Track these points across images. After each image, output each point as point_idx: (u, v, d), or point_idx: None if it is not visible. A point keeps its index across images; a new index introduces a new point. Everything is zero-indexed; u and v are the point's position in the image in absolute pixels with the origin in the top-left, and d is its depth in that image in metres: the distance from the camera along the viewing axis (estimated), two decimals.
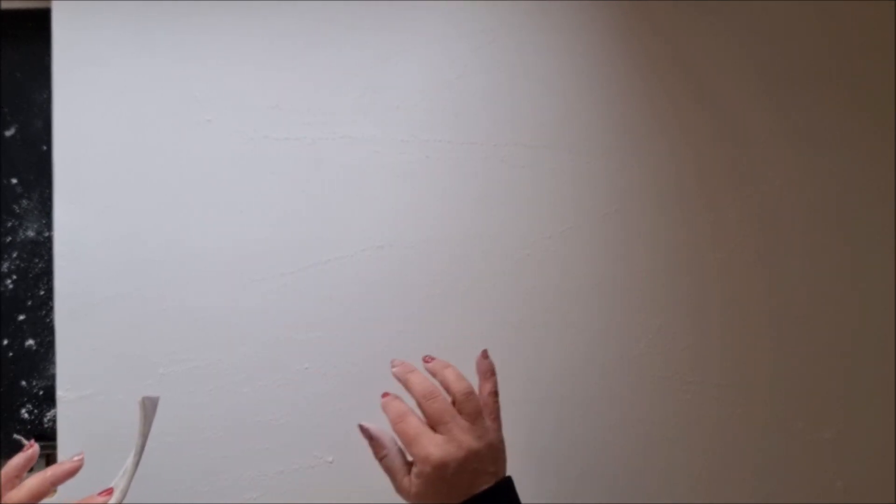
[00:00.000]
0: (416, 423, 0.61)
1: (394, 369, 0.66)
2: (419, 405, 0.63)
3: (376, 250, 0.77)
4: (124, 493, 0.58)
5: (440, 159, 0.78)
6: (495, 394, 0.65)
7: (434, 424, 0.61)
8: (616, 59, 0.79)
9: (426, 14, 0.79)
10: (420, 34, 0.79)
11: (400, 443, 0.63)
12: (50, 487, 0.59)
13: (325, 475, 0.76)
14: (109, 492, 0.59)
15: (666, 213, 0.79)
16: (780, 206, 0.79)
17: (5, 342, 0.81)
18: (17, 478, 0.60)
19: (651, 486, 0.77)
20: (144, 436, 0.60)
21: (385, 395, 0.65)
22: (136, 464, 0.59)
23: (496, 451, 0.62)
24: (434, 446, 0.59)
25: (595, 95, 0.79)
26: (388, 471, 0.63)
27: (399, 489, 0.62)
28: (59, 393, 0.75)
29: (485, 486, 0.59)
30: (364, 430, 0.64)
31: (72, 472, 0.61)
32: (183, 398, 0.74)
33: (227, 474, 0.75)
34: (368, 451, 0.76)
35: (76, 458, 0.62)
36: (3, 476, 0.59)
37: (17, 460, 0.61)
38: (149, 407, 0.61)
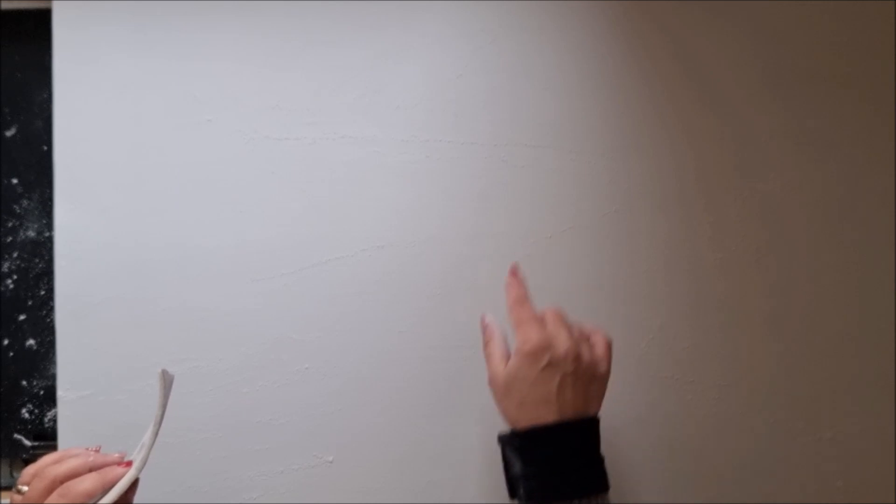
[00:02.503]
0: (530, 310, 0.63)
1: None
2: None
3: (376, 250, 0.77)
4: (144, 463, 0.58)
5: (440, 159, 0.78)
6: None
7: (546, 323, 0.62)
8: (616, 59, 0.79)
9: (426, 14, 0.79)
10: (420, 34, 0.79)
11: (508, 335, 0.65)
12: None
13: (325, 475, 0.76)
14: (129, 464, 0.58)
15: (666, 213, 0.79)
16: (780, 206, 0.79)
17: (6, 342, 0.81)
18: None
19: (651, 486, 0.77)
20: (163, 407, 0.60)
21: (513, 272, 0.67)
22: (156, 434, 0.59)
23: (594, 376, 0.62)
24: (538, 332, 0.61)
25: (595, 95, 0.79)
26: (488, 357, 0.65)
27: (491, 376, 0.64)
28: (60, 393, 0.75)
29: (568, 409, 0.60)
30: (482, 319, 0.68)
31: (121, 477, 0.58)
32: (183, 398, 0.74)
33: (227, 474, 0.75)
34: (368, 451, 0.77)
35: (122, 464, 0.59)
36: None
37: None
38: (168, 381, 0.61)
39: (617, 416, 0.77)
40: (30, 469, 0.57)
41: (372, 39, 0.78)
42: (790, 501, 0.77)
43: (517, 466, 0.60)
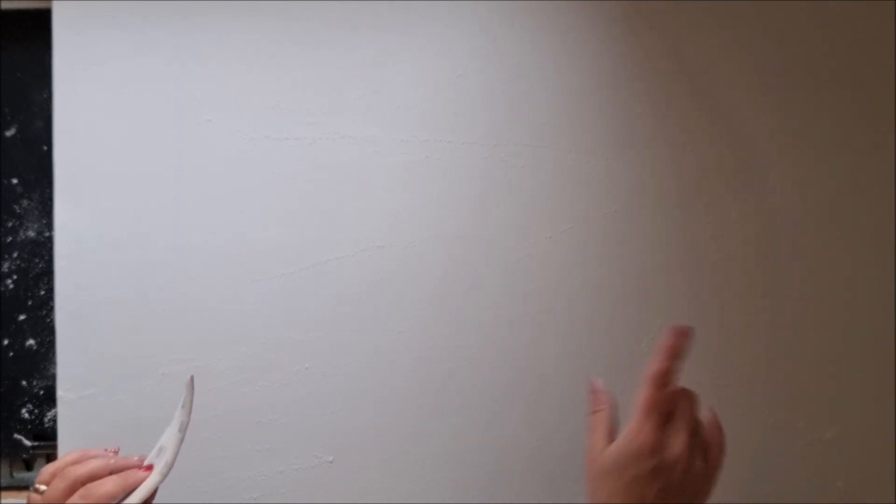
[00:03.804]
0: (662, 398, 0.55)
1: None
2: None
3: (376, 250, 0.77)
4: (169, 469, 0.56)
5: (440, 159, 0.78)
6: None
7: (674, 419, 0.55)
8: (617, 59, 0.79)
9: (426, 14, 0.79)
10: (420, 34, 0.79)
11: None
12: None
13: (325, 475, 0.76)
14: (150, 468, 0.57)
15: (666, 213, 0.79)
16: (780, 206, 0.79)
17: (6, 342, 0.81)
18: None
19: None
20: (189, 413, 0.59)
21: (680, 334, 0.58)
22: (182, 440, 0.58)
23: (699, 490, 0.55)
24: (652, 432, 0.54)
25: (595, 95, 0.79)
26: (592, 427, 0.58)
27: (589, 450, 0.57)
28: (60, 393, 0.75)
29: None
30: (592, 383, 0.60)
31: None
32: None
33: (227, 474, 0.75)
34: (368, 451, 0.77)
35: (143, 467, 0.57)
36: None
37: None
38: (193, 386, 0.60)
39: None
40: (49, 468, 0.56)
41: (372, 39, 0.78)
42: (790, 501, 0.77)
43: None
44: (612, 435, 0.57)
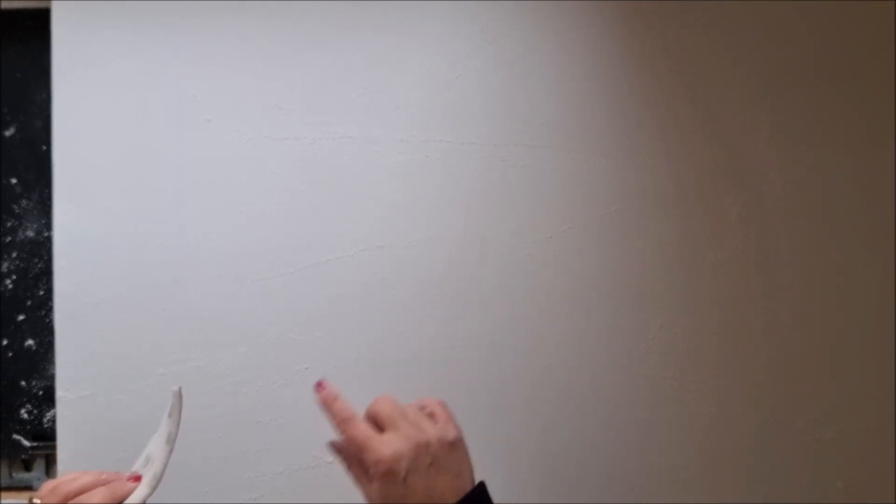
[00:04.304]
0: (363, 428, 0.57)
1: (321, 393, 0.60)
2: (367, 411, 0.59)
3: (376, 250, 0.77)
4: (157, 481, 0.57)
5: (440, 159, 0.78)
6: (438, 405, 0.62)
7: (382, 425, 0.57)
8: (616, 59, 0.79)
9: (426, 14, 0.79)
10: (420, 34, 0.79)
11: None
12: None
13: (325, 475, 0.76)
14: (138, 479, 0.58)
15: (666, 213, 0.79)
16: (780, 206, 0.79)
17: (5, 342, 0.81)
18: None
19: (651, 486, 0.77)
20: (178, 424, 0.59)
21: (320, 386, 0.59)
22: (170, 452, 0.59)
23: (450, 446, 0.58)
24: (382, 447, 0.55)
25: (595, 95, 0.79)
26: (355, 482, 0.59)
27: (367, 499, 0.58)
28: (59, 393, 0.75)
29: (448, 495, 0.56)
30: (332, 446, 0.61)
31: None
32: (183, 398, 0.74)
33: (227, 474, 0.75)
34: None
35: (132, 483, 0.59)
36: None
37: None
38: (181, 396, 0.61)
39: (617, 416, 0.77)
40: (48, 484, 0.58)
41: (371, 40, 0.78)
42: (790, 501, 0.77)
43: None
44: (367, 473, 0.58)
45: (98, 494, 0.56)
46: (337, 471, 0.76)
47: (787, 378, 0.78)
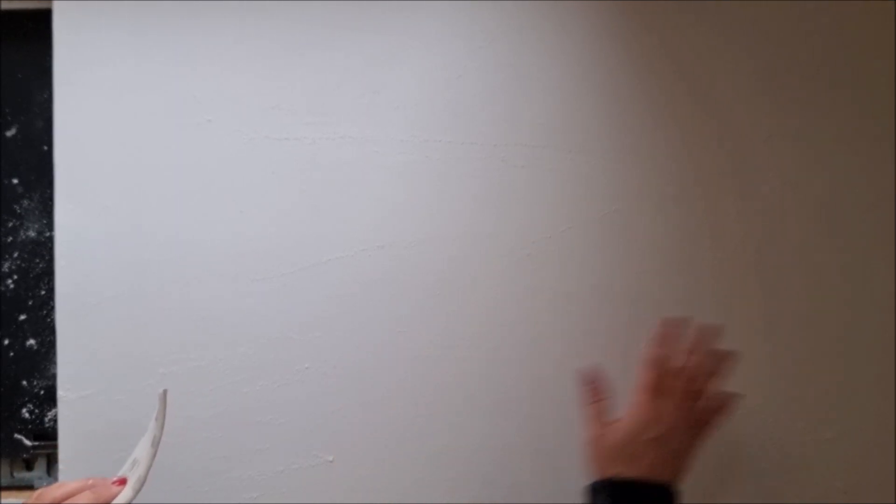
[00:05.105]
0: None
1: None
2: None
3: (376, 250, 0.78)
4: (141, 484, 0.59)
5: (440, 159, 0.78)
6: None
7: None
8: (616, 59, 0.79)
9: (426, 14, 0.79)
10: (419, 34, 0.79)
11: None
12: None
13: (325, 475, 0.76)
14: (123, 482, 0.59)
15: (665, 213, 0.79)
16: (780, 206, 0.79)
17: (6, 342, 0.82)
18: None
19: None
20: (162, 427, 0.60)
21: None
22: (154, 455, 0.60)
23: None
24: (649, 409, 0.67)
25: (595, 95, 0.79)
26: (591, 416, 0.70)
27: (592, 435, 0.69)
28: (60, 392, 0.75)
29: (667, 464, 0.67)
30: (587, 375, 0.72)
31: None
32: (183, 398, 0.75)
33: (227, 474, 0.75)
34: (368, 451, 0.77)
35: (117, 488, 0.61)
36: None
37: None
38: (165, 399, 0.61)
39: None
40: (39, 490, 0.60)
41: (371, 40, 0.78)
42: (790, 501, 0.77)
43: None
44: (605, 421, 0.69)
45: (83, 498, 0.58)
46: (337, 470, 0.76)
47: (787, 378, 0.78)
